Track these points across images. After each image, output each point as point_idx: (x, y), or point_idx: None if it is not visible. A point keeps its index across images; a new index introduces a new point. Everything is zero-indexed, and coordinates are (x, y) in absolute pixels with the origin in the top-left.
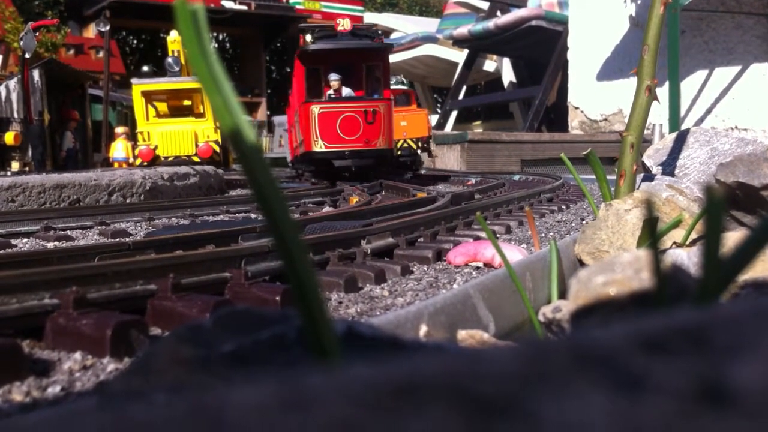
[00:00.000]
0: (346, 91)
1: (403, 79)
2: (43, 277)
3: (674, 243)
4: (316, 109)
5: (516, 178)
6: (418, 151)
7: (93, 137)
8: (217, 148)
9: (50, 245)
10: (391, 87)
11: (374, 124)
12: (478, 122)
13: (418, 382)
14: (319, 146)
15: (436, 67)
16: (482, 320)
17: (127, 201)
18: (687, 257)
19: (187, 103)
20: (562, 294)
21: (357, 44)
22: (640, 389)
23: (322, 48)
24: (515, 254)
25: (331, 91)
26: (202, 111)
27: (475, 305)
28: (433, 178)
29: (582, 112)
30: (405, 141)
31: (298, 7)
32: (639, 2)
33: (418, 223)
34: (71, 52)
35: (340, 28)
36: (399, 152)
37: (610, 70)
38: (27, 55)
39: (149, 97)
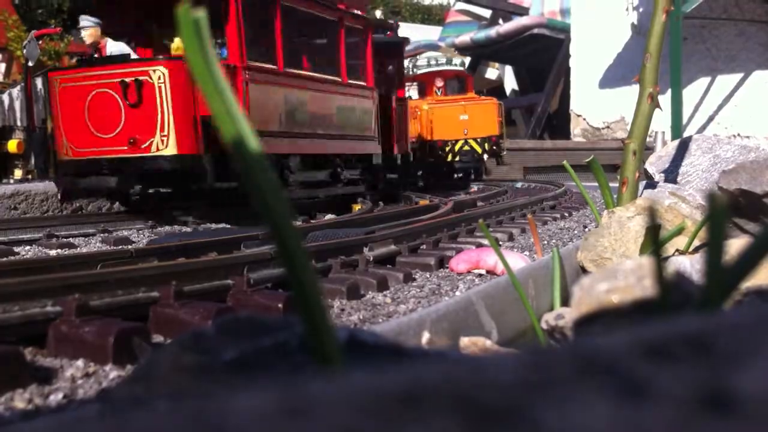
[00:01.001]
0: (113, 48)
1: (455, 57)
2: (45, 285)
3: (677, 250)
4: (56, 82)
5: (518, 185)
6: (485, 156)
7: None
8: None
9: (53, 253)
10: (441, 67)
11: (141, 109)
12: None
13: (421, 389)
14: (66, 151)
15: None
16: (485, 327)
17: None
18: (690, 264)
19: None
20: (565, 301)
21: None
22: (643, 396)
23: None
24: (518, 261)
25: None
26: None
27: (477, 312)
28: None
29: (584, 119)
30: (466, 142)
31: None
32: (641, 10)
33: (421, 230)
34: (74, 60)
35: None
36: (457, 158)
37: (612, 78)
38: (30, 64)
39: None
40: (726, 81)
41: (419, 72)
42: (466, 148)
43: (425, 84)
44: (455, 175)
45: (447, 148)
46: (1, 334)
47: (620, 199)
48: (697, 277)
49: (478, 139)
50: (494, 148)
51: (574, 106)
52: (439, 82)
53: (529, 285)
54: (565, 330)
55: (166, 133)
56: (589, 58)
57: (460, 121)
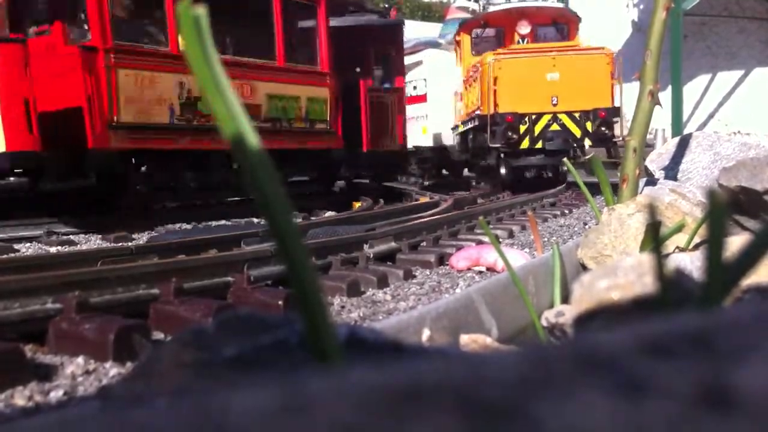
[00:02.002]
0: None
1: None
2: (45, 282)
3: (677, 247)
4: None
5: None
6: (586, 143)
7: None
8: None
9: (53, 250)
10: (528, 3)
11: None
12: None
13: (421, 386)
14: None
15: None
16: (485, 325)
17: None
18: (690, 262)
19: None
20: (565, 298)
21: None
22: (643, 393)
23: None
24: (518, 258)
25: None
26: None
27: (478, 309)
28: None
29: None
30: (555, 118)
31: None
32: (641, 7)
33: (421, 227)
34: None
35: None
36: (539, 143)
37: None
38: None
39: None
40: (726, 78)
41: (493, 10)
42: (555, 127)
43: (503, 31)
44: (524, 174)
45: (522, 128)
46: (2, 331)
47: (620, 196)
48: (698, 275)
49: (577, 114)
50: (603, 129)
51: None
52: (524, 28)
53: (530, 282)
54: (565, 327)
55: None
56: None
57: (547, 84)
